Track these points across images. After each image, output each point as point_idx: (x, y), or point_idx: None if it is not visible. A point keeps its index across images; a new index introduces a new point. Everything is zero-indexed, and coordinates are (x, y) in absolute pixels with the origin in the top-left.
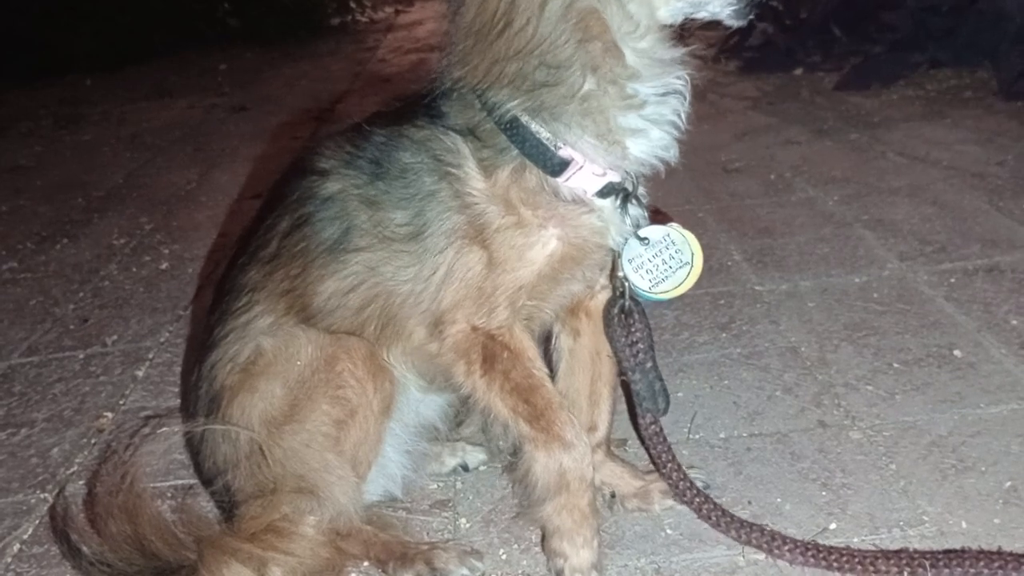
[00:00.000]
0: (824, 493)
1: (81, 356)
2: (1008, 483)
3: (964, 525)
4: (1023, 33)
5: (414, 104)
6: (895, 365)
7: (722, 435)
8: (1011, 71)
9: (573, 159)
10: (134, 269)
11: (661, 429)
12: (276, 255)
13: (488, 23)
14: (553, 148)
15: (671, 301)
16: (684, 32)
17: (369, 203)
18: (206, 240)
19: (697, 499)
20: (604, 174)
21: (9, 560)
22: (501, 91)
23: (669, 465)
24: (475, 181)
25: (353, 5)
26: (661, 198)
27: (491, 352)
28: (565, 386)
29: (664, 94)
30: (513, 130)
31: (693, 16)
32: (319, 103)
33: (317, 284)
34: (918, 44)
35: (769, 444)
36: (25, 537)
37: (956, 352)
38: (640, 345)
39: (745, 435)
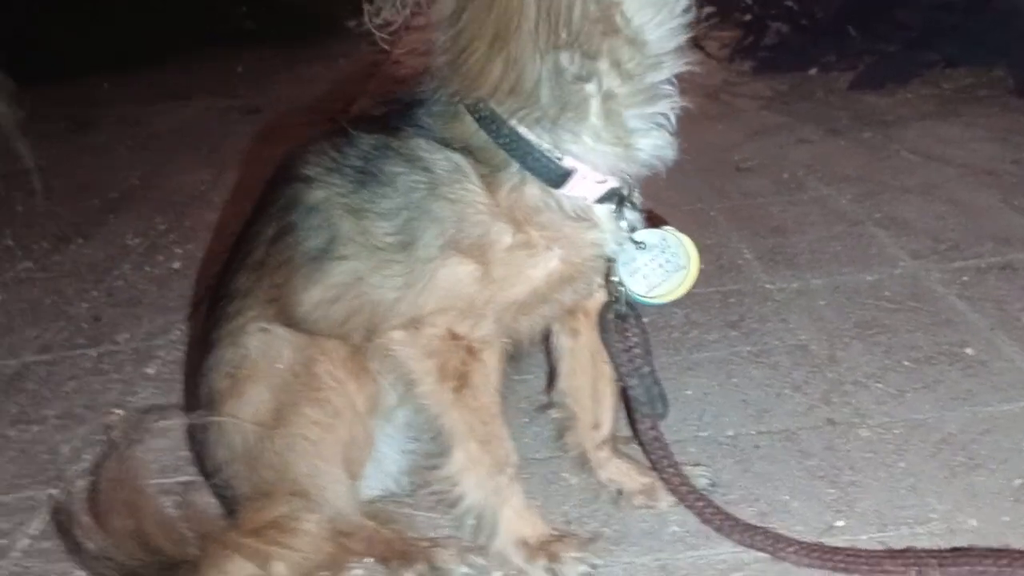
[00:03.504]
0: (832, 491)
1: (93, 354)
2: (1018, 481)
3: (973, 523)
4: None
5: (399, 109)
6: (905, 363)
7: (730, 432)
8: None
9: (575, 168)
10: (147, 268)
11: (661, 434)
12: (263, 262)
13: (503, 23)
14: (556, 159)
15: (668, 304)
16: (695, 38)
17: (354, 212)
18: (218, 240)
19: (699, 503)
20: (605, 180)
21: (18, 554)
22: (502, 105)
23: (670, 470)
24: (479, 197)
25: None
26: (673, 197)
27: (467, 368)
28: (568, 385)
29: (666, 92)
30: (513, 144)
31: None
32: (333, 104)
33: (301, 294)
34: (933, 43)
35: (777, 442)
36: (34, 532)
37: (968, 350)
38: (636, 350)
39: (753, 433)
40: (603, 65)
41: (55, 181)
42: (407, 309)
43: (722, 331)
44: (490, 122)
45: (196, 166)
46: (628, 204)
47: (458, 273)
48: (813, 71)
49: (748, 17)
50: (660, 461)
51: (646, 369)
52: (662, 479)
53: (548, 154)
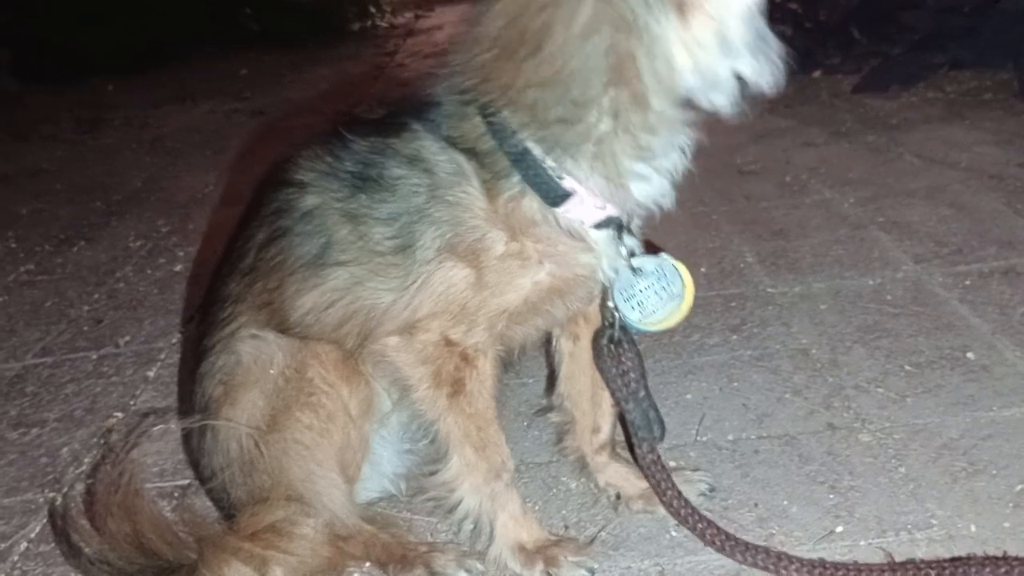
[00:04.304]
0: (832, 496)
1: (94, 357)
2: (1019, 486)
3: (973, 528)
4: None
5: (400, 113)
6: (907, 367)
7: (730, 437)
8: None
9: (575, 191)
10: (149, 271)
11: (659, 457)
12: (253, 268)
13: (516, 40)
14: (557, 179)
15: (660, 333)
16: None
17: (351, 217)
18: (217, 244)
19: (700, 524)
20: (604, 207)
21: (16, 558)
22: (515, 115)
23: (669, 492)
24: (478, 202)
25: (373, 10)
26: (675, 199)
27: (461, 374)
28: (567, 389)
29: (669, 147)
30: (519, 156)
31: (693, 98)
32: (339, 107)
33: (295, 299)
34: (938, 45)
35: (777, 446)
36: (32, 535)
37: (969, 354)
38: (632, 375)
39: (753, 437)
40: (603, 109)
41: (59, 183)
42: (402, 312)
43: (723, 335)
44: (500, 129)
45: (200, 168)
46: (627, 231)
47: (452, 277)
48: (818, 74)
49: None
50: (660, 484)
51: (642, 393)
52: (662, 502)
53: (550, 172)
